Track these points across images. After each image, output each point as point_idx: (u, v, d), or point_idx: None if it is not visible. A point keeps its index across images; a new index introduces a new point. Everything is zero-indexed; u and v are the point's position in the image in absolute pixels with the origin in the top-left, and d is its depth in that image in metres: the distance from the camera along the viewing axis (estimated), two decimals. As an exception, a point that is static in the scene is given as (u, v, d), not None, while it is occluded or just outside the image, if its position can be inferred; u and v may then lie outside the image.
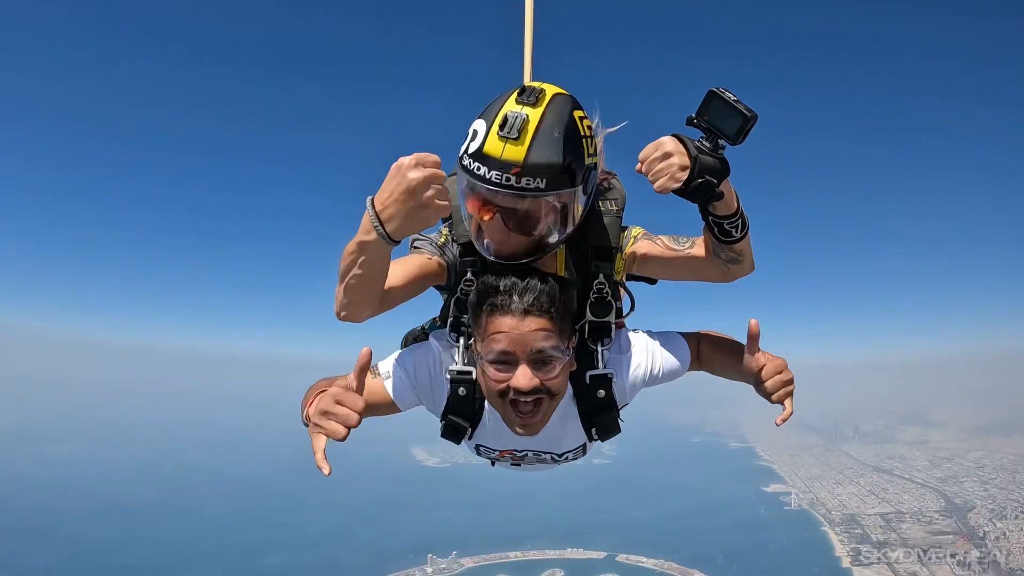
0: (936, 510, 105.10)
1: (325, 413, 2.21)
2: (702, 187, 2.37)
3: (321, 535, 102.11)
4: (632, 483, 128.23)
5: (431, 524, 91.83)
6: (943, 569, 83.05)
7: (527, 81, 3.92)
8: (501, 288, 2.43)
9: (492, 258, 2.59)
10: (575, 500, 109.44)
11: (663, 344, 3.04)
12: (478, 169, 2.30)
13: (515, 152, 2.22)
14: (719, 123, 2.33)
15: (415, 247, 2.88)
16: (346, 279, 2.33)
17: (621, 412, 3.03)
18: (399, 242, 2.22)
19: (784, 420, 2.57)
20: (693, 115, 2.41)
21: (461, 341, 2.75)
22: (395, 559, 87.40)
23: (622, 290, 3.14)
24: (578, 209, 2.55)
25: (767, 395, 2.64)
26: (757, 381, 2.66)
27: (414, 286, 2.76)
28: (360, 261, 2.24)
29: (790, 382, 2.59)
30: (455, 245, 2.88)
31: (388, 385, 2.82)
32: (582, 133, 2.42)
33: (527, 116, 2.25)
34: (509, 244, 2.52)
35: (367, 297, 2.46)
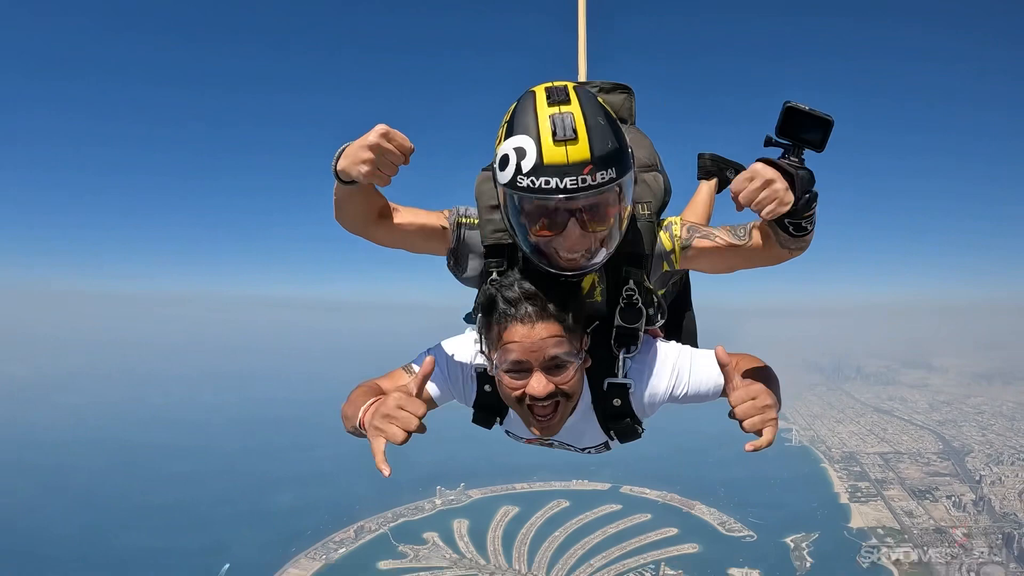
0: (934, 452, 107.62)
1: (387, 417, 2.17)
2: (809, 201, 2.34)
3: (332, 471, 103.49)
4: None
5: (440, 458, 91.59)
6: (939, 509, 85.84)
7: (583, 77, 4.15)
8: (510, 296, 2.41)
9: (565, 272, 2.50)
10: None
11: (697, 364, 2.89)
12: (546, 183, 2.20)
13: (581, 151, 2.18)
14: (805, 135, 2.33)
15: (448, 210, 2.91)
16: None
17: (645, 422, 3.01)
18: (344, 181, 2.33)
19: (755, 448, 2.23)
20: (773, 135, 2.37)
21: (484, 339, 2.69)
22: (405, 491, 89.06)
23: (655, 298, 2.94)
24: (629, 197, 2.49)
25: (740, 424, 2.27)
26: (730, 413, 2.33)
27: (410, 232, 2.81)
28: (334, 187, 2.41)
29: (767, 408, 2.22)
30: (477, 236, 2.85)
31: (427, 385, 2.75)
32: (613, 115, 2.39)
33: (573, 114, 2.21)
34: (584, 247, 2.43)
35: (344, 217, 2.64)
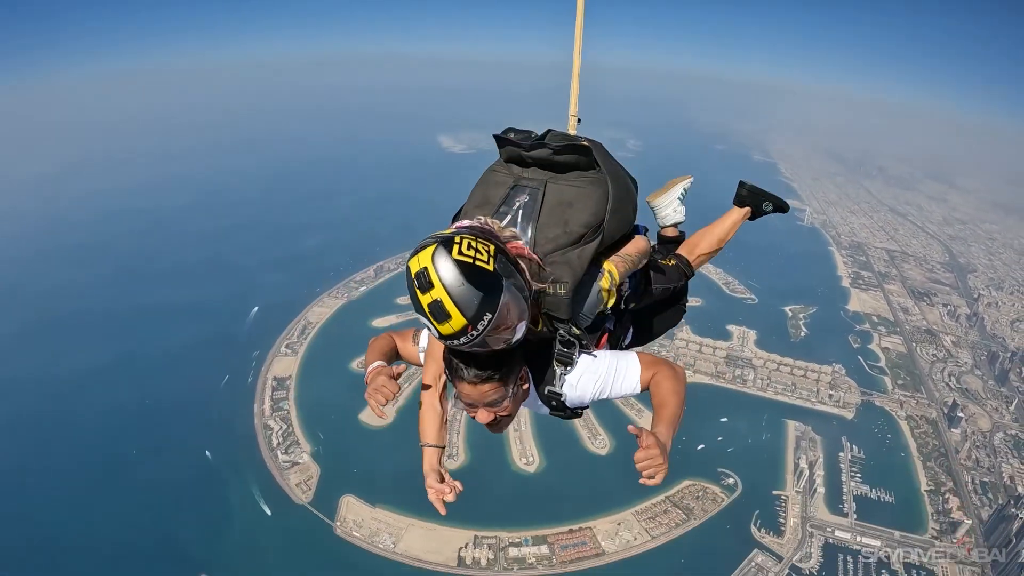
0: (940, 261, 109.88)
1: (373, 388, 3.35)
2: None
3: (352, 216, 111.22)
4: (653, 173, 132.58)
5: (459, 200, 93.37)
6: (933, 313, 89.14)
7: (573, 105, 4.89)
8: (457, 365, 3.16)
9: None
10: None
11: (620, 375, 3.56)
12: (449, 348, 3.32)
13: (457, 322, 2.73)
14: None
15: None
16: None
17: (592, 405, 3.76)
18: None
19: (645, 484, 2.99)
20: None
21: None
22: (425, 232, 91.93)
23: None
24: (518, 308, 2.93)
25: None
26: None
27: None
28: None
29: (660, 464, 2.92)
30: None
31: (422, 356, 3.89)
32: (471, 261, 2.76)
33: (440, 300, 2.70)
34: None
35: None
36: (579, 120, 4.81)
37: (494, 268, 2.79)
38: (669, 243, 5.13)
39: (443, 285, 2.68)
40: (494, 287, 2.76)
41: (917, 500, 55.15)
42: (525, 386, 3.48)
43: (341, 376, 65.08)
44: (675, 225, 5.19)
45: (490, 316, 2.73)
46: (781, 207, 5.21)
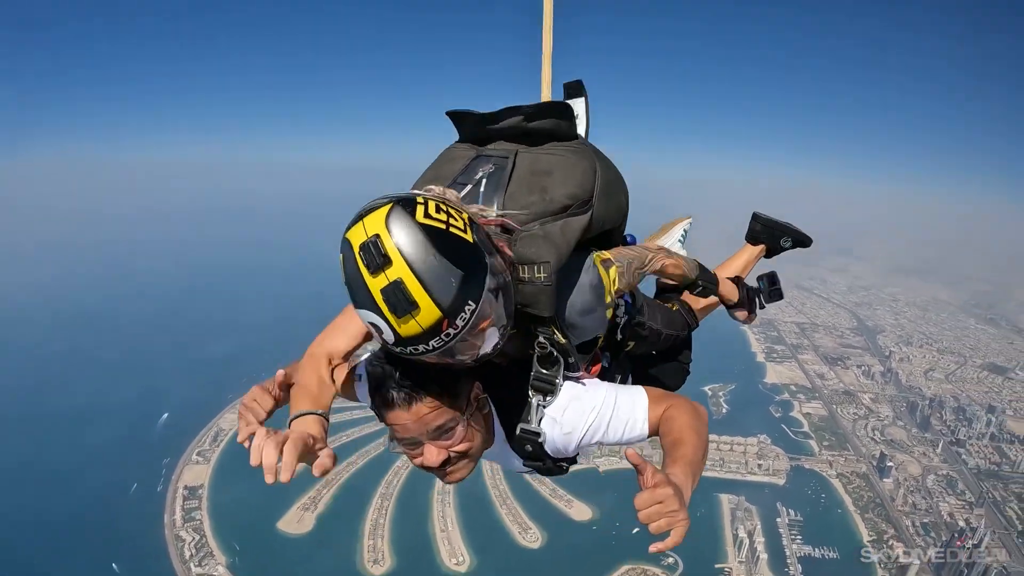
0: (849, 327, 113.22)
1: (244, 407, 2.40)
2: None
3: (269, 321, 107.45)
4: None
5: None
6: (849, 375, 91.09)
7: (545, 89, 3.84)
8: (381, 384, 2.31)
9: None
10: None
11: (619, 414, 2.67)
12: (415, 351, 2.04)
13: (429, 315, 1.94)
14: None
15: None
16: None
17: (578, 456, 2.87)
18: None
19: (660, 550, 2.04)
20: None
21: None
22: None
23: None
24: (497, 303, 2.14)
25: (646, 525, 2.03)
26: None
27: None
28: None
29: (674, 512, 1.97)
30: None
31: (358, 389, 2.78)
32: (442, 227, 1.98)
33: (401, 280, 1.91)
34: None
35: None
36: None
37: (473, 240, 2.02)
38: (669, 291, 3.98)
39: (406, 260, 1.88)
40: (476, 265, 1.99)
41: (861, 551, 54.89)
42: (485, 410, 2.56)
43: (256, 484, 61.55)
44: None
45: (472, 306, 1.95)
46: (802, 241, 4.49)
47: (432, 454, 2.34)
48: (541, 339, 2.53)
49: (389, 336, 1.97)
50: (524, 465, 2.85)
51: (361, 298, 1.96)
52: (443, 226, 1.95)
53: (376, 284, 1.89)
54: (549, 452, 2.71)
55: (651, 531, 1.98)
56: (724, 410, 79.71)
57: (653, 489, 2.00)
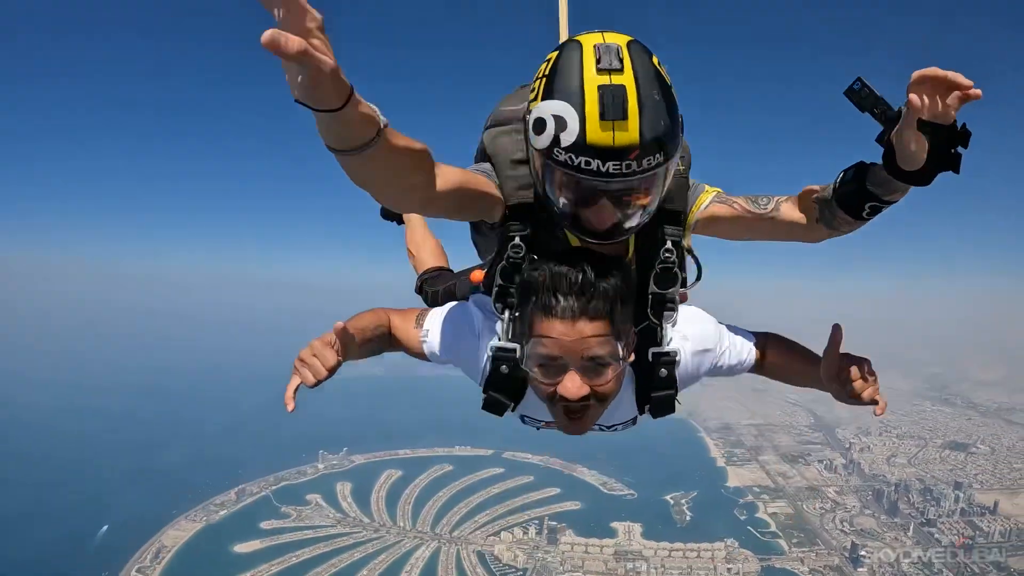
0: (806, 425, 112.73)
1: (302, 361, 2.15)
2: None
3: (218, 434, 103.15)
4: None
5: (323, 424, 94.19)
6: (811, 471, 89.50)
7: (563, 32, 3.49)
8: (551, 286, 2.10)
9: (590, 239, 2.24)
10: (466, 406, 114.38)
11: (731, 332, 2.83)
12: (586, 164, 1.94)
13: (628, 136, 1.89)
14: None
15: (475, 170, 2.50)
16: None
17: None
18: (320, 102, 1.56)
19: (883, 411, 2.45)
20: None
21: (507, 314, 2.44)
22: (288, 455, 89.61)
23: (689, 257, 2.68)
24: (673, 172, 2.22)
25: (855, 396, 2.46)
26: (842, 385, 2.47)
27: (463, 194, 2.29)
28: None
29: (876, 379, 2.43)
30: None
31: (425, 346, 2.74)
32: (668, 81, 2.05)
33: (625, 87, 1.90)
34: (615, 221, 2.15)
35: (369, 183, 1.94)
36: None
37: (679, 111, 2.08)
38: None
39: (636, 78, 1.90)
40: (678, 128, 2.06)
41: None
42: (631, 358, 2.34)
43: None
44: None
45: (663, 154, 1.97)
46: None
47: (576, 383, 2.10)
48: (669, 245, 2.44)
49: (571, 135, 1.91)
50: (634, 404, 2.70)
51: (563, 87, 1.94)
52: (669, 82, 2.01)
53: (596, 80, 1.88)
54: (679, 378, 2.61)
55: (865, 400, 2.43)
56: (688, 517, 77.28)
57: (860, 362, 2.42)
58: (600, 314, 2.05)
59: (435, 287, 4.01)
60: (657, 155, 1.92)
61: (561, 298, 2.04)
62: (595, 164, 1.89)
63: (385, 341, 2.69)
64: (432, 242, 4.47)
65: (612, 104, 1.83)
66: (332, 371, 2.13)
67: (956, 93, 1.74)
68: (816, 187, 2.38)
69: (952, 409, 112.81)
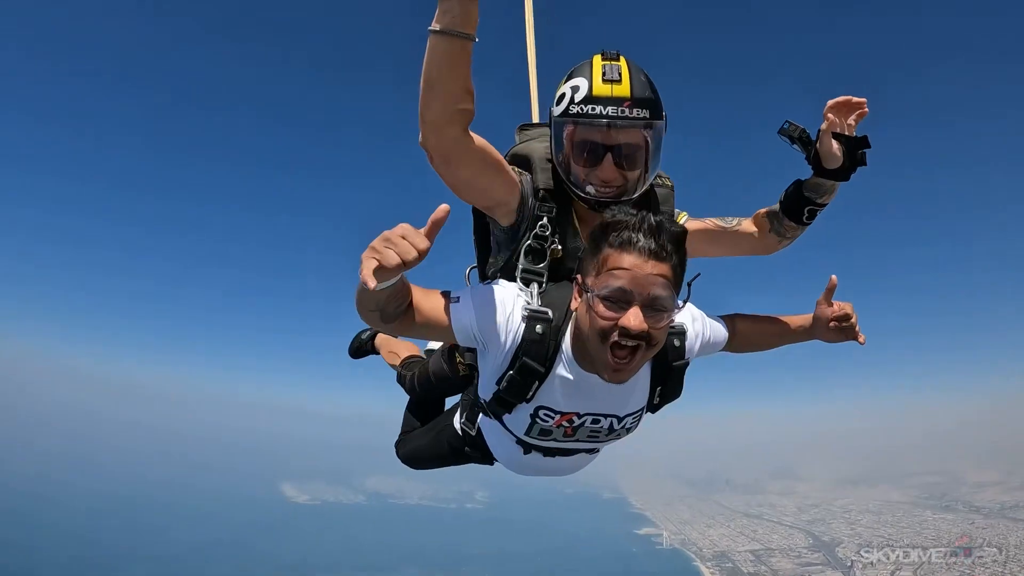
0: (804, 546, 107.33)
1: (387, 241, 1.99)
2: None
3: (184, 554, 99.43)
4: (505, 523, 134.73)
5: (300, 550, 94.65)
6: None
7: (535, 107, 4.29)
8: (632, 224, 2.28)
9: (595, 199, 2.72)
10: (448, 534, 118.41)
11: (705, 314, 3.11)
12: (592, 110, 2.59)
13: (622, 90, 2.57)
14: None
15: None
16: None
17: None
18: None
19: (864, 341, 3.02)
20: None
21: (535, 287, 2.72)
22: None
23: None
24: (659, 149, 2.76)
25: (850, 332, 3.03)
26: (838, 322, 3.01)
27: (494, 169, 2.65)
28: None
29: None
30: (530, 197, 2.89)
31: (454, 311, 2.55)
32: (653, 82, 2.73)
33: (620, 64, 2.62)
34: (617, 182, 2.69)
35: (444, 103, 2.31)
36: None
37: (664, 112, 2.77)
38: None
39: (629, 66, 2.64)
40: (659, 104, 2.69)
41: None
42: (682, 307, 2.47)
43: None
44: None
45: (647, 115, 2.61)
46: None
47: (638, 317, 2.22)
48: None
49: (582, 93, 2.58)
50: (648, 387, 2.83)
51: (578, 72, 2.65)
52: (654, 83, 2.69)
53: (601, 62, 2.61)
54: (687, 349, 2.81)
55: (860, 339, 3.01)
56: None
57: (845, 305, 2.98)
58: (669, 258, 2.24)
59: (411, 371, 4.38)
60: (644, 110, 2.55)
61: (641, 236, 2.22)
62: (598, 109, 2.52)
63: (402, 305, 2.39)
64: (407, 342, 4.84)
65: (611, 71, 2.53)
66: (422, 255, 1.99)
67: (856, 112, 2.68)
68: (766, 208, 3.12)
69: (954, 515, 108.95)
